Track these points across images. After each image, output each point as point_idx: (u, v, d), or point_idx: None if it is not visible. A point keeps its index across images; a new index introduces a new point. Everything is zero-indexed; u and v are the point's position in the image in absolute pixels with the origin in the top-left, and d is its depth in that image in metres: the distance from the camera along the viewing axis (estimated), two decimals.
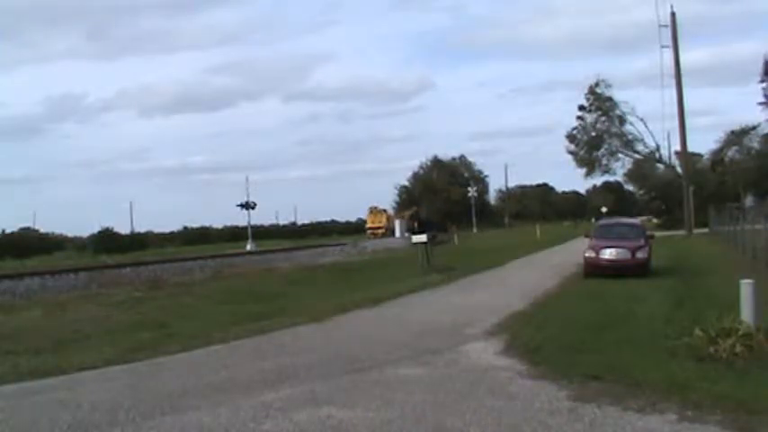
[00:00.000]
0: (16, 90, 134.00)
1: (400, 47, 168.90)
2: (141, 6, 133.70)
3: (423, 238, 21.79)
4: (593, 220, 67.11)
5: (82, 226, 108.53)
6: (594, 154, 54.70)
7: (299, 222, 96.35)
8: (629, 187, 75.73)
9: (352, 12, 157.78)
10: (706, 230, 38.07)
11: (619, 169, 57.15)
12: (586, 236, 18.85)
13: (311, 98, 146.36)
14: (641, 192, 67.62)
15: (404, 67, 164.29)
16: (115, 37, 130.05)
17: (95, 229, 60.79)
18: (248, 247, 46.15)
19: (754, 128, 52.17)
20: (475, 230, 68.27)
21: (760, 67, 47.53)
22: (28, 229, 64.52)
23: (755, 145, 53.17)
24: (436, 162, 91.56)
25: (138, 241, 62.95)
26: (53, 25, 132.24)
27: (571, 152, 55.57)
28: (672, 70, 40.35)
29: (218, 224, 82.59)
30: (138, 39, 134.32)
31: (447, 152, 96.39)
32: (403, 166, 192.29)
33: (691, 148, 45.04)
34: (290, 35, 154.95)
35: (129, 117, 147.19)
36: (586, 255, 17.06)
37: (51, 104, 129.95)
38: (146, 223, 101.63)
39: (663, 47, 40.44)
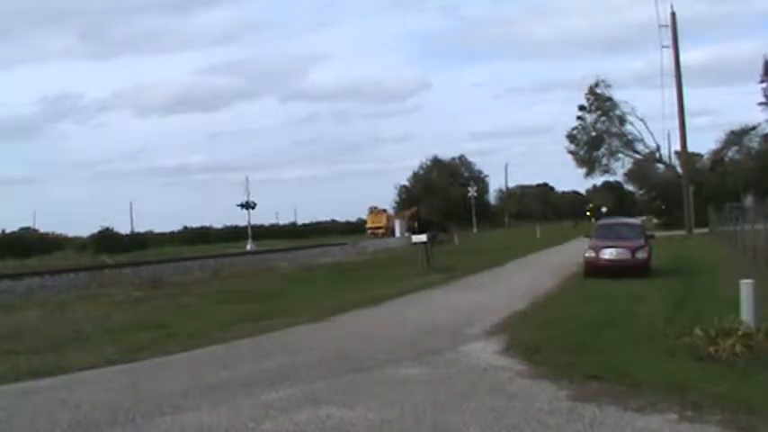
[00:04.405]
0: (13, 90, 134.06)
1: (397, 47, 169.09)
2: (138, 6, 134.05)
3: (423, 238, 21.90)
4: (592, 219, 67.18)
5: (82, 226, 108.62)
6: (594, 154, 54.82)
7: (299, 222, 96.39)
8: (630, 187, 75.78)
9: (349, 12, 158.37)
10: (706, 230, 38.06)
11: (619, 169, 57.44)
12: (586, 236, 18.86)
13: (309, 98, 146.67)
14: (641, 192, 67.67)
15: (401, 67, 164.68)
16: (112, 37, 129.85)
17: (95, 229, 60.84)
18: (248, 247, 46.22)
19: (754, 128, 52.32)
20: (475, 230, 68.19)
21: (760, 67, 47.68)
22: (28, 229, 64.38)
23: (755, 145, 53.28)
24: (436, 162, 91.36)
25: (138, 241, 62.90)
26: (49, 25, 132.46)
27: (571, 152, 55.80)
28: (671, 70, 40.42)
29: (218, 224, 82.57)
30: (134, 39, 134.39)
31: (446, 152, 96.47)
32: (402, 166, 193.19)
33: (691, 148, 45.17)
34: (287, 35, 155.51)
35: (127, 117, 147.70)
36: (586, 255, 17.07)
37: (48, 104, 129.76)
38: (146, 223, 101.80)
39: (663, 47, 40.51)
